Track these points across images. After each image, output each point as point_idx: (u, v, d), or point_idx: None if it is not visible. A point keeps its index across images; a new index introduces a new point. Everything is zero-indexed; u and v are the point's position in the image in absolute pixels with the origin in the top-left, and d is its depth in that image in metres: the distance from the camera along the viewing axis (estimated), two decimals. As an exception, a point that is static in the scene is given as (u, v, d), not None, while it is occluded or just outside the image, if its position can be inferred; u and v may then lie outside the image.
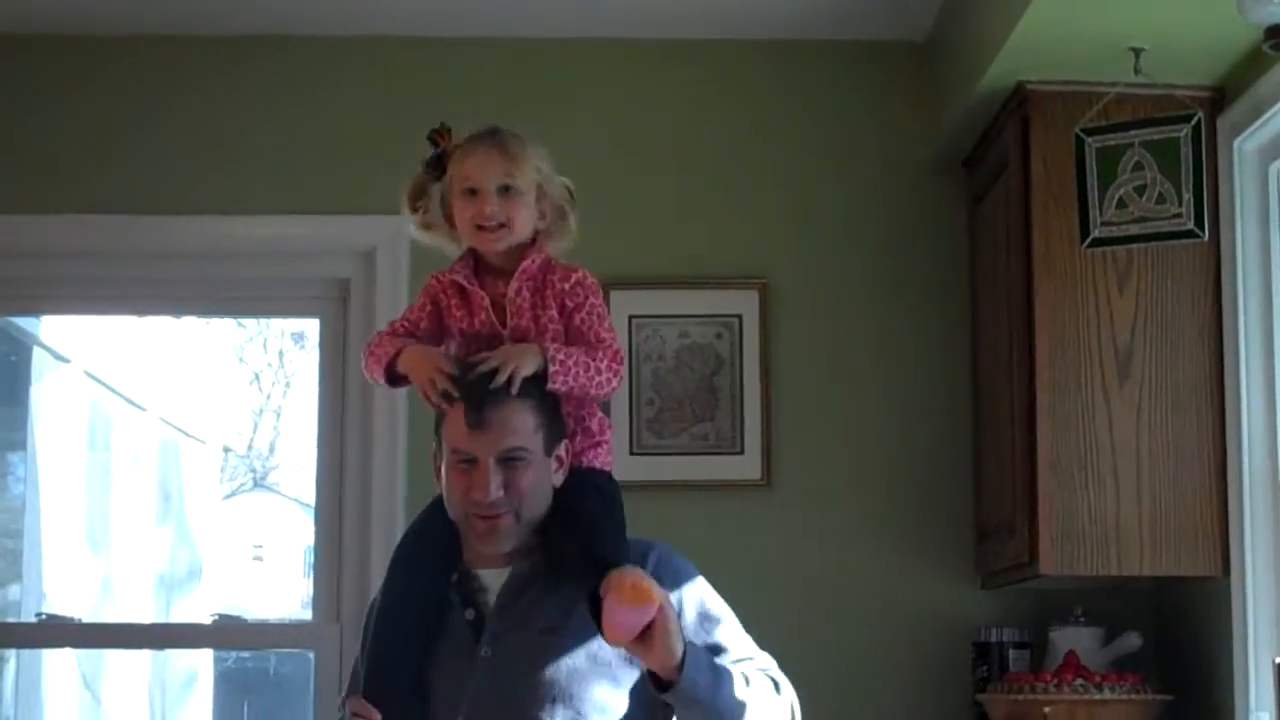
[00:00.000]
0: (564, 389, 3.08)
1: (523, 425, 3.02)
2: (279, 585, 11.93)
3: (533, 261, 3.17)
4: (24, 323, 6.48)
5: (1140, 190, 4.16)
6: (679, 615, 2.95)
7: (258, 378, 12.14)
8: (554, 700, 2.98)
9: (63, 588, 8.08)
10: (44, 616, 6.94)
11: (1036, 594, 4.82)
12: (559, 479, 3.10)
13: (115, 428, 9.30)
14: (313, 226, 5.09)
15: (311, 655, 5.13)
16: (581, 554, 2.99)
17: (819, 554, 4.93)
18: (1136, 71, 4.20)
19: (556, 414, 3.10)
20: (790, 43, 5.10)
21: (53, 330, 7.49)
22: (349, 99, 5.11)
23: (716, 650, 3.04)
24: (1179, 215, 4.12)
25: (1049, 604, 4.81)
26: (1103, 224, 4.19)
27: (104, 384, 8.88)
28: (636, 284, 4.92)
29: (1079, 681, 4.42)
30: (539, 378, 3.05)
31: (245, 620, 7.50)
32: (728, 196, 5.07)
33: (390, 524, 4.90)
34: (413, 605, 3.11)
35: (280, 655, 8.81)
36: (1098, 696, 4.40)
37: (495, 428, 3.00)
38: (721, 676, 2.94)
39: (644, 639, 2.84)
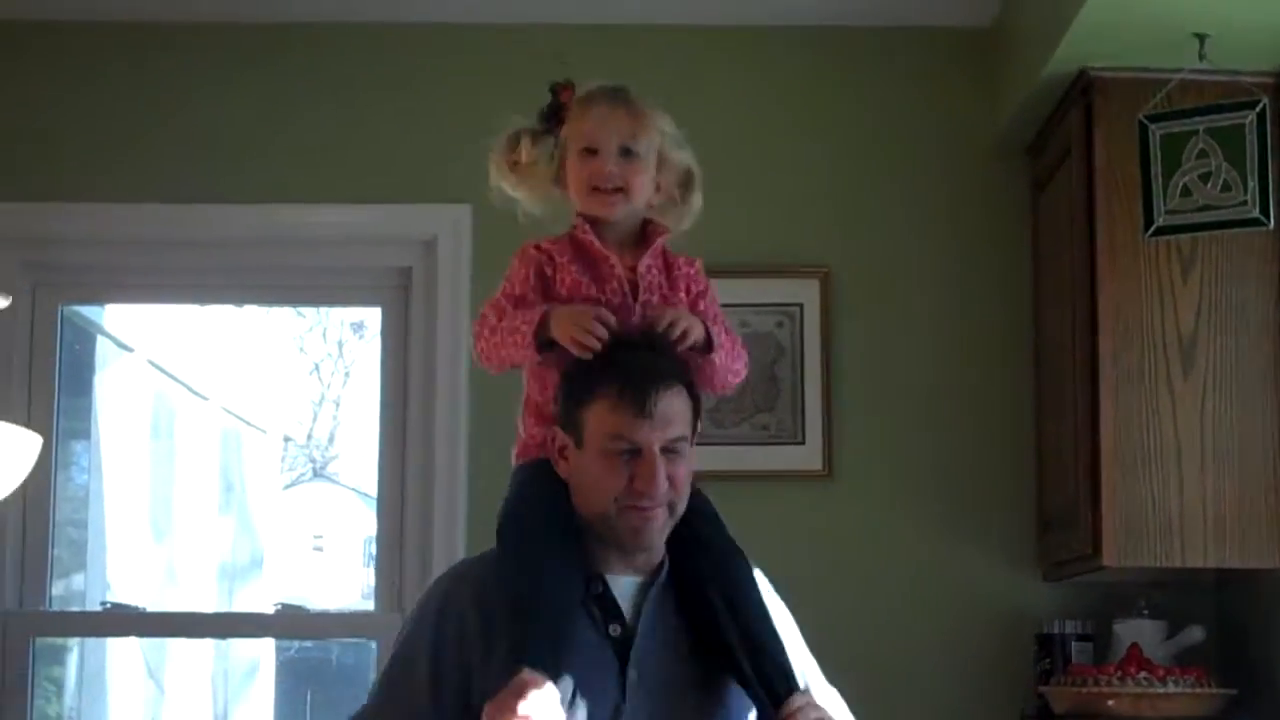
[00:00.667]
0: (718, 367, 2.98)
1: (683, 413, 2.86)
2: (338, 575, 11.96)
3: (662, 240, 3.02)
4: (88, 311, 6.50)
5: (1205, 177, 4.13)
6: None
7: (317, 367, 12.17)
8: None
9: (127, 577, 8.12)
10: (108, 605, 6.97)
11: (1099, 586, 4.79)
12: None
13: (178, 417, 9.34)
14: (375, 215, 5.10)
15: (374, 645, 5.14)
16: (753, 664, 2.83)
17: (880, 545, 4.91)
18: (1201, 58, 4.17)
19: (699, 397, 2.93)
20: (853, 29, 5.09)
21: (116, 319, 7.53)
22: (411, 87, 5.12)
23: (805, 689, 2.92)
24: (1244, 203, 4.10)
25: (1112, 596, 4.78)
26: (1167, 212, 4.16)
27: (167, 373, 8.92)
28: (697, 273, 4.91)
29: (1142, 675, 4.39)
30: (681, 360, 2.91)
31: (307, 610, 7.53)
32: (788, 184, 5.05)
33: (452, 514, 4.91)
34: (565, 617, 2.80)
35: (342, 645, 8.82)
36: (1161, 690, 4.37)
37: (662, 415, 2.81)
38: None
39: None
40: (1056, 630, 4.77)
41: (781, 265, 4.99)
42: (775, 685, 2.81)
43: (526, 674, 2.63)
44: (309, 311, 10.25)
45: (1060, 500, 4.67)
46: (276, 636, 8.32)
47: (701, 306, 3.03)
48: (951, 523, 4.95)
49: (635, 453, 2.80)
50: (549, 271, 2.98)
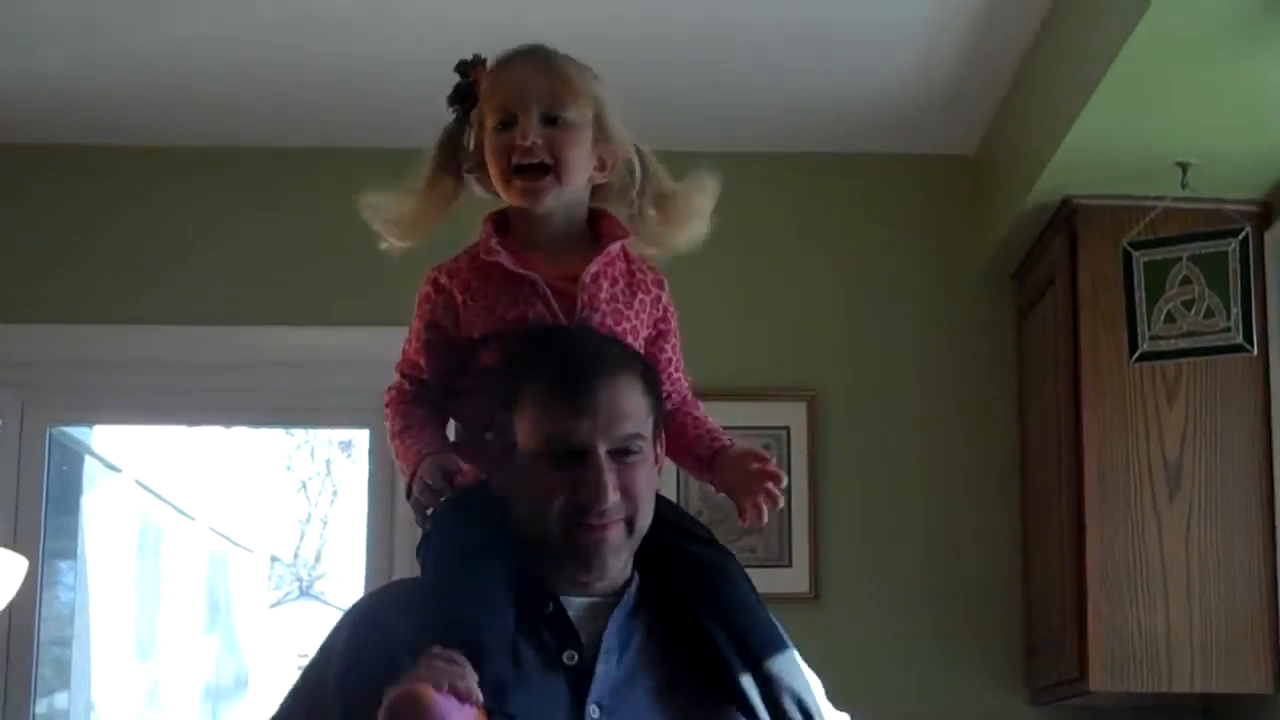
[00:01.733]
0: None
1: (637, 407, 2.29)
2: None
3: (617, 245, 2.45)
4: (76, 432, 6.51)
5: (1188, 304, 4.16)
6: None
7: (305, 486, 12.15)
8: None
9: (111, 696, 8.08)
10: (91, 725, 6.93)
11: (1086, 710, 4.78)
12: (659, 480, 2.38)
13: (165, 536, 9.33)
14: (362, 337, 5.10)
15: (358, 767, 5.11)
16: (754, 672, 2.34)
17: (868, 668, 4.90)
18: (1183, 186, 4.21)
19: (661, 399, 2.40)
20: (840, 155, 5.13)
21: (105, 440, 7.53)
22: (400, 212, 5.15)
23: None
24: (1227, 329, 4.12)
25: (1099, 720, 4.78)
26: (1151, 338, 4.19)
27: (154, 493, 8.91)
28: (684, 396, 4.93)
29: (1129, 799, 4.39)
30: (634, 349, 2.41)
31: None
32: (775, 307, 5.08)
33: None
34: (488, 607, 2.25)
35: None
36: (1149, 814, 4.36)
37: (606, 408, 2.26)
38: None
39: None
40: (1044, 755, 4.76)
41: (769, 388, 5.01)
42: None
43: (438, 649, 2.13)
44: (297, 431, 10.25)
45: (1047, 624, 4.67)
46: (261, 758, 8.25)
47: (667, 350, 2.52)
48: (939, 646, 4.94)
49: (575, 457, 2.26)
50: (453, 308, 2.52)
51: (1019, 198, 4.57)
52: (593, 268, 2.42)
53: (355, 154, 5.14)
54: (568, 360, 2.30)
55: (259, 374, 5.18)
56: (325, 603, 12.45)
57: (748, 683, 2.33)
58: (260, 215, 5.16)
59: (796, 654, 2.46)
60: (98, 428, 6.97)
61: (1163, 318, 4.18)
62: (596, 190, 2.54)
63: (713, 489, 2.54)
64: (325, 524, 12.34)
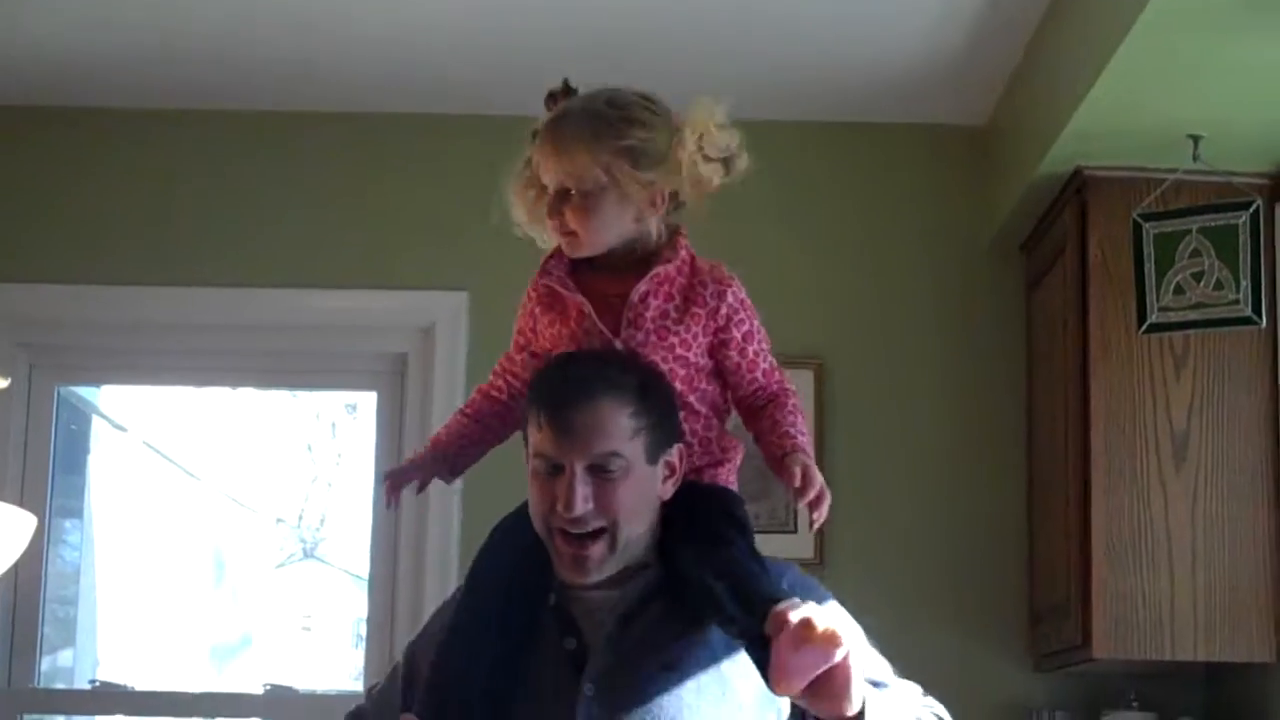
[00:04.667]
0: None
1: (616, 428, 2.52)
2: (327, 657, 11.92)
3: (669, 265, 2.68)
4: (84, 392, 6.52)
5: (1198, 276, 4.17)
6: None
7: (310, 448, 12.15)
8: None
9: (116, 655, 8.10)
10: (96, 683, 6.94)
11: (1089, 677, 4.80)
12: (669, 490, 2.62)
13: (171, 497, 9.34)
14: (372, 301, 5.13)
15: (363, 727, 5.13)
16: (733, 592, 2.49)
17: (872, 634, 4.89)
18: (1195, 159, 4.22)
19: (665, 416, 2.61)
20: (851, 125, 5.14)
21: (112, 400, 7.54)
22: (412, 175, 5.16)
23: (875, 685, 2.57)
24: (1236, 302, 4.13)
25: (1102, 688, 4.79)
26: (1160, 309, 4.20)
27: (161, 453, 8.92)
28: (693, 362, 4.94)
29: (1131, 767, 4.41)
30: (640, 374, 2.61)
31: (296, 691, 7.48)
32: (784, 277, 5.09)
33: (444, 595, 4.87)
34: (497, 627, 2.60)
35: (330, 727, 8.82)
36: (1150, 782, 4.39)
37: (583, 430, 2.52)
38: None
39: (818, 686, 2.32)
40: (1046, 721, 4.78)
41: (776, 357, 4.99)
42: (756, 607, 2.42)
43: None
44: (303, 394, 10.26)
45: (1052, 591, 4.68)
46: (265, 717, 8.26)
47: (750, 354, 2.74)
48: (944, 612, 4.96)
49: (558, 470, 2.54)
50: (531, 324, 2.77)
51: (1030, 168, 4.57)
52: (641, 287, 2.66)
53: (367, 118, 5.17)
54: (559, 384, 2.57)
55: (266, 336, 5.20)
56: (329, 564, 12.47)
57: (732, 608, 2.48)
58: (270, 177, 5.17)
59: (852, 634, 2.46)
60: (105, 388, 6.98)
61: (1172, 289, 4.19)
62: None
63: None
64: (330, 487, 12.34)
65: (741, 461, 2.79)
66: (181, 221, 5.15)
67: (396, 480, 2.91)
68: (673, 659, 2.53)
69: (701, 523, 2.63)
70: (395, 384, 5.20)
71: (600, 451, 2.52)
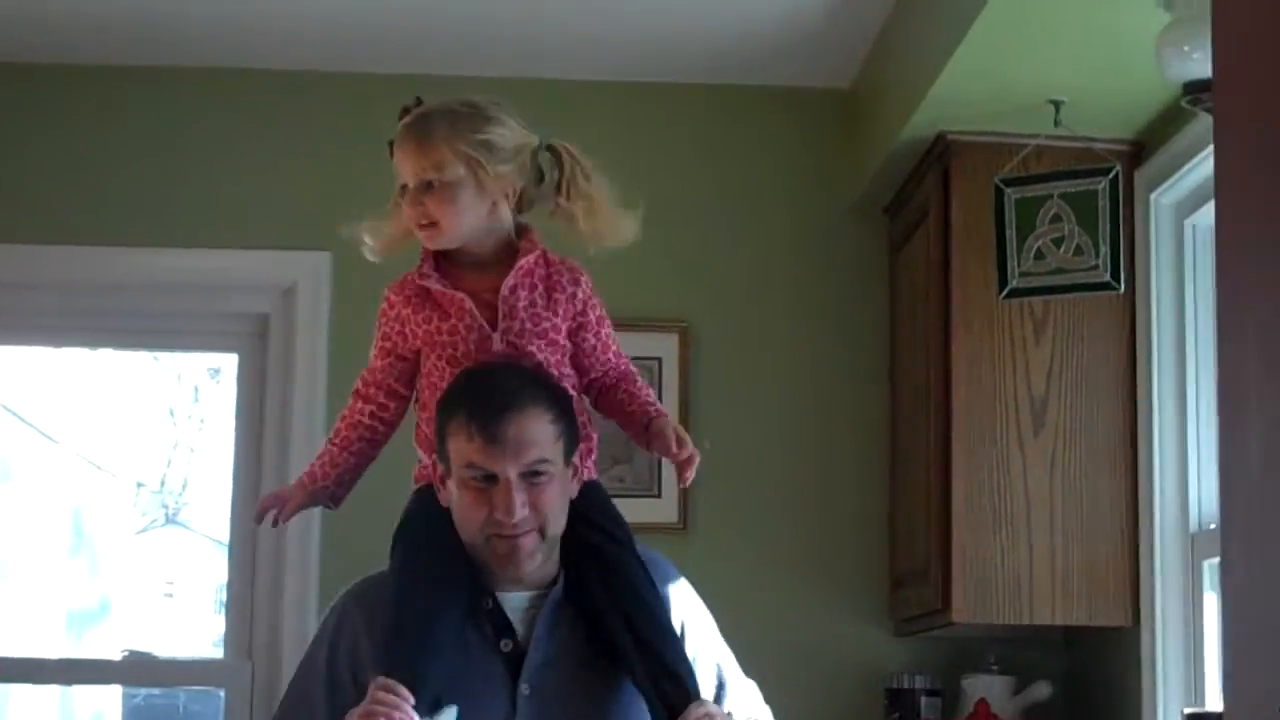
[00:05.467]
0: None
1: (543, 436, 2.76)
2: (189, 623, 11.85)
3: (530, 257, 2.92)
4: (-61, 353, 6.43)
5: (1058, 242, 4.19)
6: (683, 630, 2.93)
7: (172, 413, 12.04)
8: None
9: (-29, 621, 8.01)
10: (-49, 650, 6.86)
11: (949, 642, 4.84)
12: (575, 488, 2.88)
13: (28, 461, 9.23)
14: (233, 261, 5.07)
15: (222, 693, 5.09)
16: (641, 651, 2.80)
17: (734, 599, 4.88)
18: (1056, 124, 4.24)
19: (573, 419, 2.86)
20: (714, 87, 5.13)
21: (-34, 361, 7.44)
22: (273, 133, 5.10)
23: (721, 685, 3.00)
24: (1096, 267, 4.16)
25: (961, 652, 4.83)
26: (1020, 274, 4.22)
27: (18, 416, 8.81)
28: (556, 325, 4.92)
29: (990, 729, 4.44)
30: (548, 383, 2.85)
31: (155, 656, 7.44)
32: (647, 238, 5.00)
33: (304, 562, 4.88)
34: (438, 631, 2.76)
35: (190, 693, 8.74)
36: (1008, 744, 4.42)
37: (514, 441, 2.73)
38: None
39: None
40: (906, 685, 4.80)
41: (640, 319, 4.99)
42: (670, 695, 2.76)
43: (381, 680, 2.67)
44: (165, 356, 10.17)
45: (911, 556, 4.71)
46: (124, 683, 8.21)
47: (603, 335, 2.99)
48: (805, 577, 4.98)
49: (491, 480, 2.75)
50: (398, 328, 2.95)
51: (893, 132, 4.59)
52: (510, 281, 2.89)
53: (231, 73, 5.10)
54: (484, 399, 2.75)
55: (126, 296, 5.13)
56: (191, 530, 12.37)
57: (634, 657, 2.78)
58: (132, 134, 5.09)
59: (698, 628, 2.98)
60: (-40, 349, 6.88)
61: (1033, 254, 4.22)
62: (528, 200, 3.01)
63: (644, 449, 3.04)
64: (192, 452, 12.24)
65: (596, 449, 3.03)
66: (39, 178, 5.06)
67: (264, 507, 3.08)
68: (592, 658, 2.81)
69: (592, 536, 2.88)
70: (257, 346, 5.15)
71: (532, 459, 2.75)
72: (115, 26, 4.85)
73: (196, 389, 11.76)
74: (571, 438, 2.83)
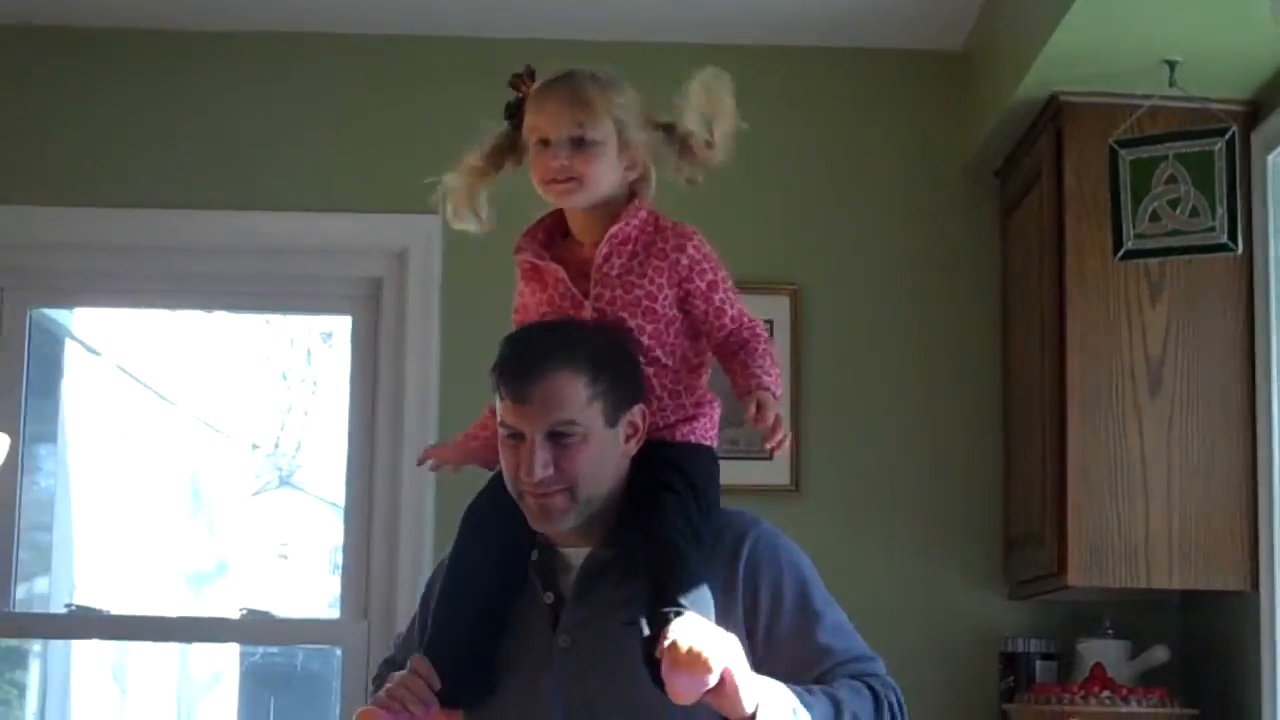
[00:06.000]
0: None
1: (572, 397, 2.72)
2: (303, 584, 11.95)
3: (627, 224, 2.86)
4: (56, 315, 6.50)
5: (1173, 203, 4.15)
6: (781, 608, 2.79)
7: (285, 376, 12.14)
8: (636, 707, 2.68)
9: (92, 581, 8.11)
10: (73, 608, 6.96)
11: (1064, 605, 4.82)
12: (632, 448, 2.81)
13: (145, 422, 9.33)
14: (346, 224, 5.10)
15: (338, 651, 5.15)
16: (655, 593, 2.65)
17: (847, 561, 4.91)
18: (1171, 84, 4.20)
19: (622, 379, 2.79)
20: (826, 50, 5.12)
21: (85, 323, 7.52)
22: (384, 98, 5.13)
23: (820, 652, 2.78)
24: (1212, 229, 4.12)
25: (1076, 615, 4.81)
26: (1135, 236, 4.19)
27: (135, 378, 8.90)
28: (668, 288, 4.92)
29: (1105, 694, 4.42)
30: (596, 343, 2.78)
31: (272, 615, 7.50)
32: (759, 201, 5.07)
33: (419, 523, 4.92)
34: (486, 579, 2.84)
35: (307, 652, 8.83)
36: (1124, 709, 4.40)
37: (539, 401, 2.71)
38: (811, 713, 2.59)
39: (709, 695, 2.49)
40: (1021, 649, 4.79)
41: (751, 282, 4.95)
42: (656, 619, 2.61)
43: (418, 662, 2.77)
44: (278, 319, 10.25)
45: (1026, 519, 4.69)
46: (241, 641, 8.31)
47: (717, 301, 2.89)
48: (918, 540, 4.97)
49: (519, 438, 2.75)
50: (520, 300, 2.96)
51: (1006, 94, 4.55)
52: (603, 249, 2.84)
53: (343, 39, 5.14)
54: (516, 358, 2.76)
55: (240, 259, 5.18)
56: (305, 492, 12.48)
57: (648, 610, 2.65)
58: (245, 100, 5.13)
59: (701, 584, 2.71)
60: (78, 311, 6.96)
61: (1148, 216, 4.18)
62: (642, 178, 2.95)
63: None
64: (306, 414, 12.34)
65: (721, 415, 2.97)
66: (155, 143, 5.11)
67: (427, 454, 3.07)
68: (631, 617, 2.66)
69: (652, 484, 2.80)
70: (370, 309, 5.18)
71: (556, 420, 2.72)
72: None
73: (309, 352, 11.84)
74: (618, 397, 2.77)
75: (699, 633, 2.50)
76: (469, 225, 3.00)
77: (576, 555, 2.83)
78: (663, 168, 2.96)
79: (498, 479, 2.87)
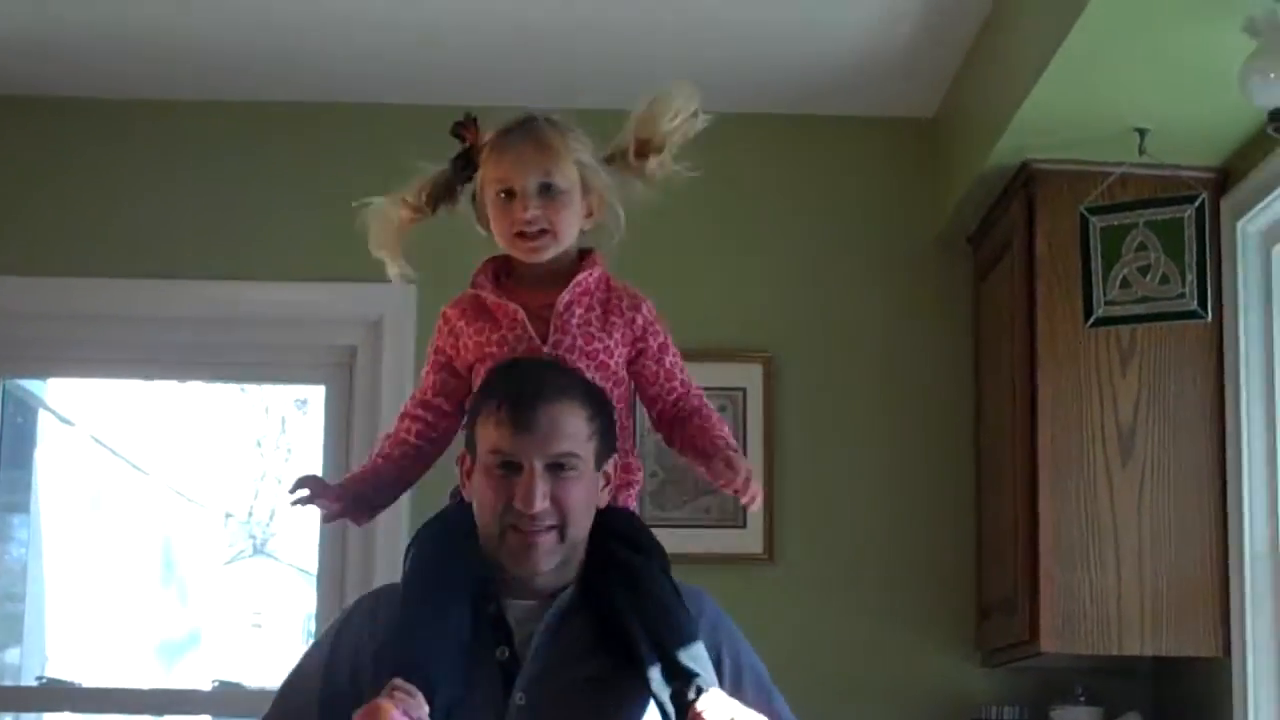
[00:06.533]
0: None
1: (576, 430, 2.64)
2: (277, 653, 11.91)
3: (589, 274, 2.82)
4: (30, 385, 6.49)
5: (1144, 270, 4.18)
6: (743, 679, 2.73)
7: (260, 444, 12.13)
8: None
9: (64, 652, 8.07)
10: (44, 680, 6.92)
11: (1037, 673, 4.81)
12: (604, 499, 2.74)
13: (119, 492, 9.30)
14: (320, 294, 5.10)
15: (311, 723, 5.12)
16: (659, 653, 2.62)
17: (821, 629, 4.92)
18: (1141, 152, 4.23)
19: (609, 424, 2.73)
20: (797, 117, 5.14)
21: (59, 393, 7.51)
22: (359, 166, 5.12)
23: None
24: (1182, 295, 4.14)
25: (1050, 683, 4.80)
26: (1106, 303, 4.21)
27: (109, 448, 8.89)
28: (641, 356, 4.93)
29: (1079, 761, 4.41)
30: (588, 384, 2.73)
31: (245, 687, 7.46)
32: (732, 268, 5.08)
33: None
34: (441, 638, 2.63)
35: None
36: (1097, 776, 4.39)
37: (545, 428, 2.61)
38: None
39: None
40: (994, 716, 4.78)
41: (724, 349, 5.00)
42: (683, 692, 2.59)
43: (397, 681, 2.54)
44: (252, 388, 10.24)
45: (999, 587, 4.69)
46: (214, 714, 8.24)
47: (666, 363, 2.87)
48: (892, 607, 4.96)
49: (515, 468, 2.62)
50: (453, 341, 2.88)
51: (977, 161, 4.58)
52: (565, 297, 2.79)
53: (316, 108, 5.14)
54: (518, 386, 2.65)
55: (214, 329, 5.17)
56: (278, 560, 12.44)
57: (655, 671, 2.61)
58: (219, 170, 5.14)
59: (695, 633, 2.70)
60: (52, 381, 6.94)
61: (1118, 283, 4.20)
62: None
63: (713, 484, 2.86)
64: (280, 482, 12.32)
65: (642, 487, 2.95)
66: (129, 213, 5.11)
67: (315, 491, 2.93)
68: (596, 673, 2.64)
69: (616, 542, 2.75)
70: (344, 377, 5.18)
71: (560, 450, 2.63)
72: (204, 61, 4.90)
73: (284, 420, 11.84)
74: (607, 442, 2.71)
75: (729, 711, 2.54)
76: (386, 259, 3.01)
77: (529, 610, 2.69)
78: (626, 193, 2.92)
79: (447, 530, 2.76)
